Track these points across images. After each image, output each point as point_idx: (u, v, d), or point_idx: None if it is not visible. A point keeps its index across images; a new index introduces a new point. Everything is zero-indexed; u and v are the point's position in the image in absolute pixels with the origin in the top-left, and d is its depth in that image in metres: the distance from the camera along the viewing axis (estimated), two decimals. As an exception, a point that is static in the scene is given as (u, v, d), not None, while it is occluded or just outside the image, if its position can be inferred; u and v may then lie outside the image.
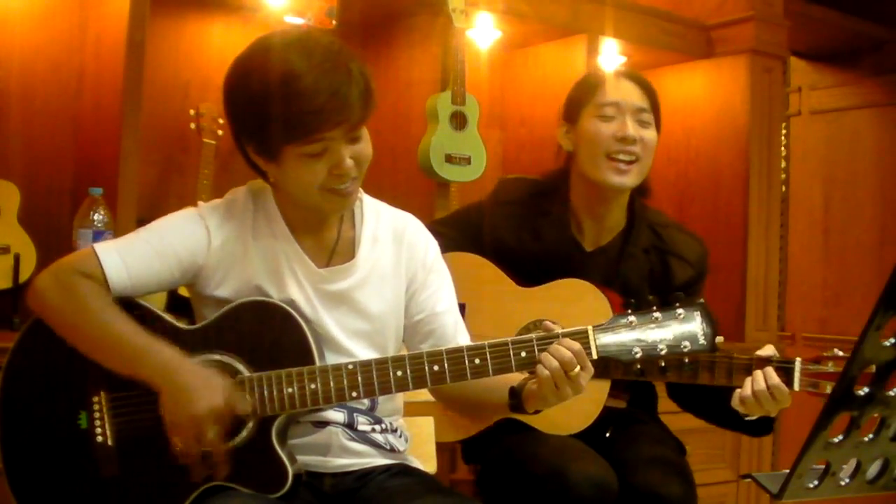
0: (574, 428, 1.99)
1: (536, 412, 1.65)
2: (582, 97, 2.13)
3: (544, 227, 2.14)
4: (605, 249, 2.15)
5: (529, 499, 1.85)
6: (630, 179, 2.07)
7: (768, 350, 1.86)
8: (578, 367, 1.52)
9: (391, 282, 1.72)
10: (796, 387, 1.80)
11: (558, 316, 2.03)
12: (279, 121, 1.51)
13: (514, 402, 1.63)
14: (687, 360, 1.56)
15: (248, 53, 1.58)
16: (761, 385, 1.78)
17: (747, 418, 1.88)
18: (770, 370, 1.80)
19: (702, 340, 1.56)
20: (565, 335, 1.55)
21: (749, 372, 1.83)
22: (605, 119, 2.07)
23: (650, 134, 2.09)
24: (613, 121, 2.07)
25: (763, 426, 1.92)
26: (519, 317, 2.10)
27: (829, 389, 1.77)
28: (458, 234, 2.17)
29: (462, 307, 2.03)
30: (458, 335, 1.76)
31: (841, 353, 1.79)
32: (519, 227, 2.15)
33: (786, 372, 1.80)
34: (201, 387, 1.49)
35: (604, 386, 2.01)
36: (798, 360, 1.81)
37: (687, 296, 2.10)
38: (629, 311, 1.57)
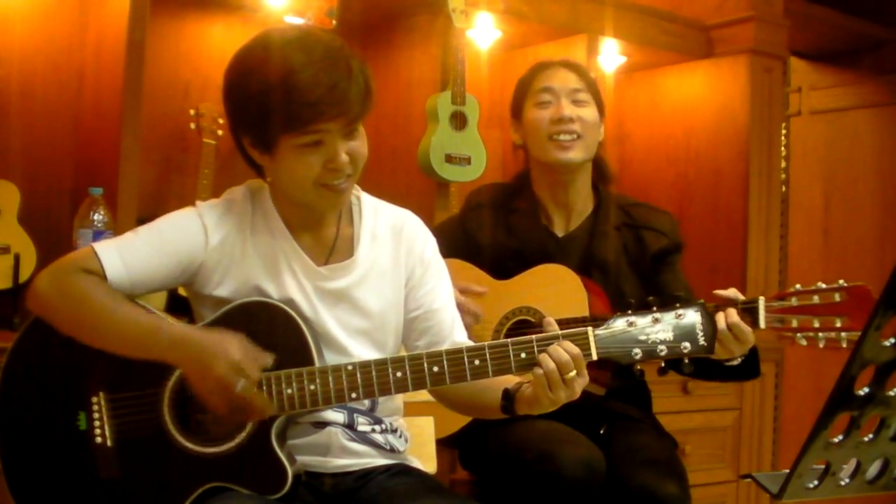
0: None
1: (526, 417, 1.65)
2: (521, 91, 2.27)
3: (515, 222, 2.23)
4: (577, 233, 2.23)
5: (521, 483, 1.88)
6: (575, 154, 2.18)
7: (730, 292, 1.87)
8: (574, 372, 1.52)
9: (390, 279, 1.72)
10: (762, 324, 1.82)
11: (534, 301, 2.09)
12: (276, 111, 1.51)
13: (506, 403, 1.62)
14: (686, 361, 1.56)
15: (249, 47, 1.59)
16: (722, 324, 1.79)
17: (728, 363, 1.88)
18: (731, 310, 1.82)
19: (702, 341, 1.55)
20: (565, 336, 1.55)
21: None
22: (542, 105, 2.21)
23: (588, 112, 2.20)
24: (550, 105, 2.20)
25: (749, 369, 1.93)
26: (497, 309, 2.15)
27: (795, 323, 1.79)
28: (445, 244, 2.19)
29: None
30: (455, 332, 1.76)
31: (801, 287, 1.80)
32: (492, 226, 2.24)
33: (750, 312, 1.82)
34: (214, 347, 1.50)
35: None
36: (761, 298, 1.82)
37: (665, 266, 2.17)
38: (629, 312, 1.57)
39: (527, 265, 2.16)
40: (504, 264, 2.18)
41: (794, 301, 1.79)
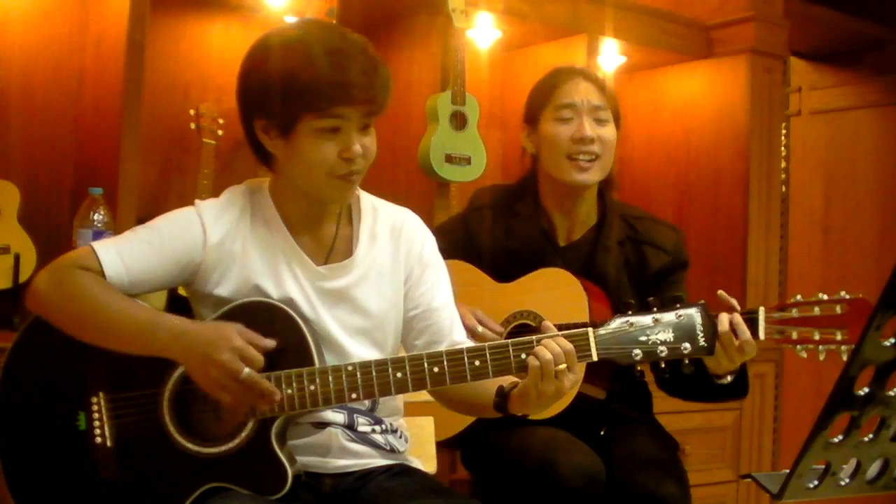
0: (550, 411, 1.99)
1: (523, 416, 1.65)
2: (540, 100, 2.20)
3: (516, 226, 2.20)
4: (579, 244, 2.20)
5: (521, 491, 1.87)
6: (592, 176, 2.15)
7: (730, 300, 1.84)
8: (564, 365, 1.52)
9: (390, 278, 1.72)
10: (762, 335, 1.76)
11: (535, 305, 2.08)
12: (302, 89, 1.52)
13: (499, 400, 1.62)
14: (687, 362, 1.56)
15: (276, 30, 1.61)
16: (725, 327, 1.73)
17: (719, 381, 1.83)
18: (735, 314, 1.77)
19: (702, 342, 1.56)
20: (565, 335, 1.55)
21: None
22: (562, 121, 2.15)
23: (608, 131, 2.16)
24: (571, 122, 2.14)
25: (738, 387, 1.88)
26: (498, 312, 2.14)
27: (795, 335, 1.73)
28: (446, 243, 2.19)
29: None
30: (455, 331, 1.76)
31: (802, 299, 1.76)
32: (492, 227, 2.21)
33: (750, 322, 1.77)
34: (215, 336, 1.50)
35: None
36: (761, 308, 1.78)
37: (666, 284, 2.14)
38: (629, 312, 1.57)
39: (524, 269, 2.14)
40: (504, 266, 2.17)
41: (794, 312, 1.76)
